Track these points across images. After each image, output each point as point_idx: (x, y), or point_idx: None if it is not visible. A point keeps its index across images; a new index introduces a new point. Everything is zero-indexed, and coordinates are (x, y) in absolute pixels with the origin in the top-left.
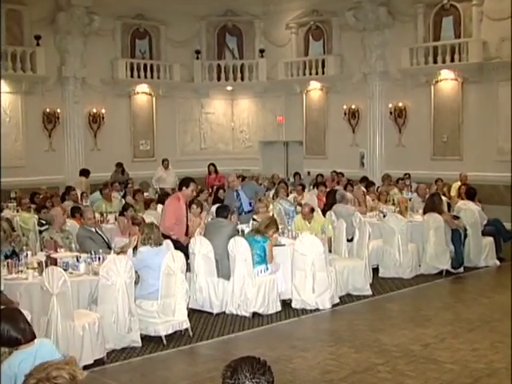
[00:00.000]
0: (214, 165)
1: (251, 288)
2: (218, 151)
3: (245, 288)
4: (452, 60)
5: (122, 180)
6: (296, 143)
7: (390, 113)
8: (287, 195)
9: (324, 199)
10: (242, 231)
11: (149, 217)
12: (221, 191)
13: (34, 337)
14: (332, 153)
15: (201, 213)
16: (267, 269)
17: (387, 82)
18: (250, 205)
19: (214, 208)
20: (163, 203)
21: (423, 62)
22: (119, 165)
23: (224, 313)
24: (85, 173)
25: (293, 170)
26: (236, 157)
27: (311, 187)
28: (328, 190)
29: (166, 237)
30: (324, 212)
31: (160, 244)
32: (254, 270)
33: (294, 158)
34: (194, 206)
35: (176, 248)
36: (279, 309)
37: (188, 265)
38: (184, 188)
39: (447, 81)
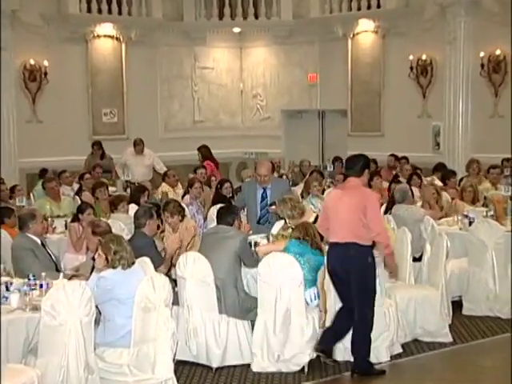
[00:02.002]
0: (206, 147)
1: (303, 327)
2: (220, 126)
3: (293, 326)
4: None
5: (106, 167)
6: (336, 114)
7: (482, 66)
8: (322, 192)
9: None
10: (256, 244)
11: (117, 223)
12: (226, 184)
13: None
14: (391, 128)
15: (181, 220)
16: (318, 296)
17: (478, 18)
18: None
19: (213, 209)
20: (138, 204)
21: None
22: (97, 145)
23: (228, 367)
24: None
25: (331, 153)
26: (247, 134)
27: None
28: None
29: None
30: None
31: (132, 263)
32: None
33: (333, 136)
34: (166, 215)
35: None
36: (307, 359)
37: (176, 295)
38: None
39: None
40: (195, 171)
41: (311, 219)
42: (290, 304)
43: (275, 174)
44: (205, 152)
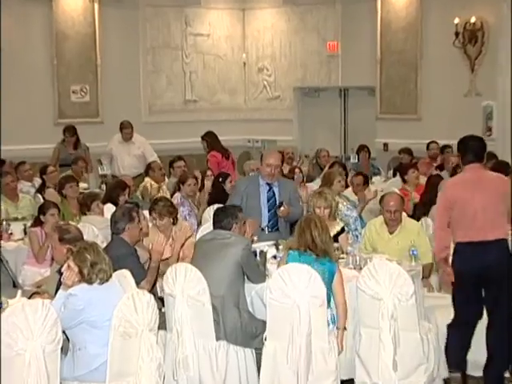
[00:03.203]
0: (212, 135)
1: (325, 355)
2: (218, 107)
3: (314, 355)
4: None
5: (78, 157)
6: (362, 92)
7: None
8: (345, 188)
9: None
10: (262, 254)
11: (89, 228)
12: (230, 178)
13: None
14: (431, 109)
15: (174, 223)
16: (334, 320)
17: None
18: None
19: (208, 211)
20: (116, 204)
21: None
22: (70, 131)
23: None
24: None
25: (356, 141)
26: (250, 117)
27: (391, 174)
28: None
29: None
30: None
31: (110, 276)
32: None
33: (358, 120)
34: (154, 216)
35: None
36: None
37: (163, 317)
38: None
39: None
40: (170, 165)
41: (337, 228)
42: (311, 328)
43: (286, 167)
44: (211, 141)
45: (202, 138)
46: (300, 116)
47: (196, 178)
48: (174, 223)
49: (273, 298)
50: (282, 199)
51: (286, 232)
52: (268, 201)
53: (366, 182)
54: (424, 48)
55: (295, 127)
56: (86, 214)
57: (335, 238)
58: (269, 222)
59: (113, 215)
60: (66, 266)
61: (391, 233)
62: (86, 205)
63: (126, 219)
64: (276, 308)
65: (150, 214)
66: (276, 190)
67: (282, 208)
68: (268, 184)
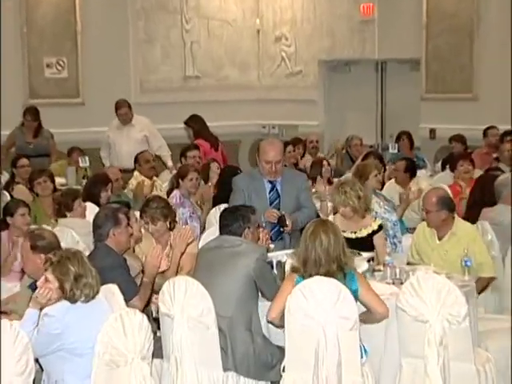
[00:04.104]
0: (198, 119)
1: None
2: (226, 84)
3: None
4: None
5: (42, 148)
6: (404, 66)
7: None
8: (382, 185)
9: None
10: (280, 265)
11: (67, 233)
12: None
13: None
14: (489, 87)
15: (171, 229)
16: (365, 351)
17: None
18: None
19: (214, 212)
20: (98, 203)
21: None
22: (31, 113)
23: None
24: None
25: (396, 127)
26: (266, 97)
27: (438, 167)
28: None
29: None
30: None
31: (97, 293)
32: None
33: (398, 100)
34: (146, 220)
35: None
36: None
37: (158, 342)
38: None
39: None
40: (182, 155)
41: (372, 226)
42: (340, 357)
43: (308, 159)
44: (197, 126)
45: (186, 123)
46: (327, 96)
47: (198, 172)
48: (170, 228)
49: (292, 319)
50: (286, 200)
51: (295, 237)
52: (271, 204)
53: (412, 171)
54: (481, 11)
55: (320, 109)
56: (65, 216)
57: (368, 240)
58: (271, 230)
59: (95, 218)
60: (42, 279)
61: (440, 238)
62: (65, 204)
63: (110, 222)
64: (296, 332)
65: (141, 217)
66: (279, 186)
67: (285, 227)
68: (270, 182)
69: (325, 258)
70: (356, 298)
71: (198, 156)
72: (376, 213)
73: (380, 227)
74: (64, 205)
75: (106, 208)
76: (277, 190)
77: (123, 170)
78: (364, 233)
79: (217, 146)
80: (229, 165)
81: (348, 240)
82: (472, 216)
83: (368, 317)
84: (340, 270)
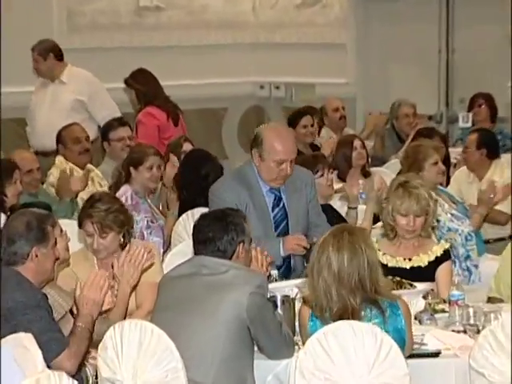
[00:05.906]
0: (145, 74)
1: None
2: (203, 20)
3: None
4: None
5: None
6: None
7: None
8: (448, 178)
9: None
10: (288, 302)
11: None
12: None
13: None
14: None
15: (124, 246)
16: None
17: None
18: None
19: (183, 221)
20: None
21: None
22: None
23: None
24: None
25: (470, 88)
26: (266, 40)
27: None
28: None
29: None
30: None
31: None
32: None
33: (473, 45)
34: (89, 230)
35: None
36: None
37: None
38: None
39: None
40: (104, 136)
41: (435, 251)
42: None
43: (332, 137)
44: (146, 88)
45: (127, 82)
46: (360, 38)
47: (161, 156)
48: (123, 245)
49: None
50: (295, 218)
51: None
52: (277, 226)
53: (492, 150)
54: None
55: (351, 59)
56: None
57: (428, 271)
58: (279, 268)
59: (8, 228)
60: None
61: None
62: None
63: (31, 238)
64: None
65: (81, 226)
66: (284, 196)
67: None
68: (272, 191)
69: (336, 286)
70: (403, 341)
71: (128, 137)
72: (439, 221)
73: (447, 253)
74: None
75: (23, 214)
76: (283, 203)
77: (43, 153)
78: (424, 260)
79: (177, 119)
80: (197, 149)
81: (400, 271)
82: None
83: None
84: (370, 303)
